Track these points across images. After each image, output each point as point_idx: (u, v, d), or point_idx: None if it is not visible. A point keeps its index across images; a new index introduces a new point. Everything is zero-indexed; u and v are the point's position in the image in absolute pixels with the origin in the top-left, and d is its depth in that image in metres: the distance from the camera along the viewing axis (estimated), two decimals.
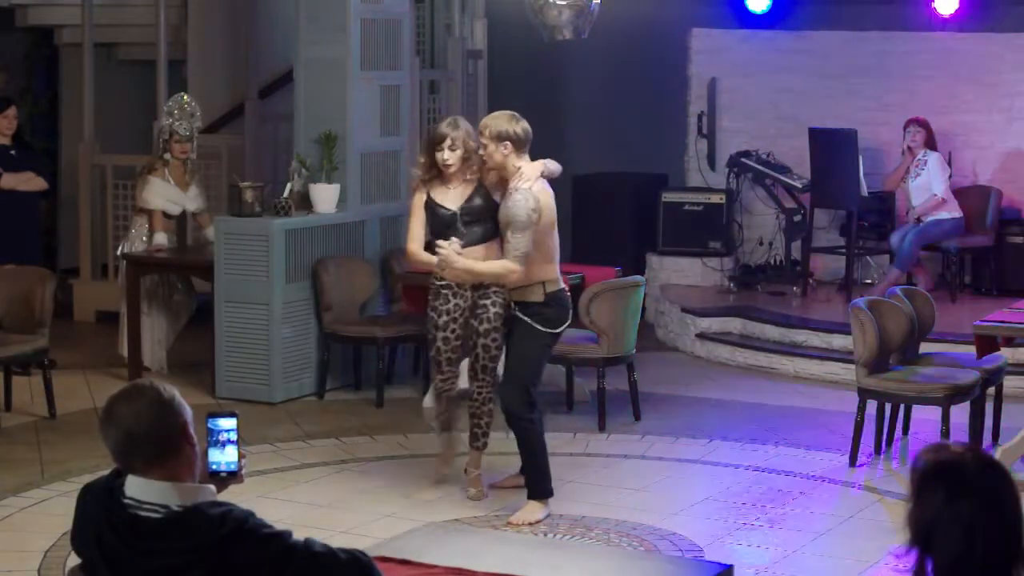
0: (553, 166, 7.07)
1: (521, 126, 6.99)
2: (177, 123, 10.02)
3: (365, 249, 10.00)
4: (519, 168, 6.94)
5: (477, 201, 7.08)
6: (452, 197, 7.11)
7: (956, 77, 12.01)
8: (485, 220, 7.06)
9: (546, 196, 6.96)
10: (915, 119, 11.50)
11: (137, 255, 9.96)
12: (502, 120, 6.98)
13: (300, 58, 9.94)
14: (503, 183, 7.03)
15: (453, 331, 7.17)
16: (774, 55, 12.49)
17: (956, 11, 11.71)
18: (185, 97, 10.24)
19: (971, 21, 11.88)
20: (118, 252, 10.59)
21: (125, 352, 9.96)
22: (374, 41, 9.96)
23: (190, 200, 10.18)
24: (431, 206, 7.13)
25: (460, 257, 6.96)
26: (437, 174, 7.13)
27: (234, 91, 12.63)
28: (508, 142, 6.93)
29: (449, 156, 7.02)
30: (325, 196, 9.66)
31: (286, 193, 9.64)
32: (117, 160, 12.19)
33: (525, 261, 6.87)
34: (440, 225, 7.09)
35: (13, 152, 10.26)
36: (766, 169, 12.08)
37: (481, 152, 7.00)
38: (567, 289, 7.22)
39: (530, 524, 6.92)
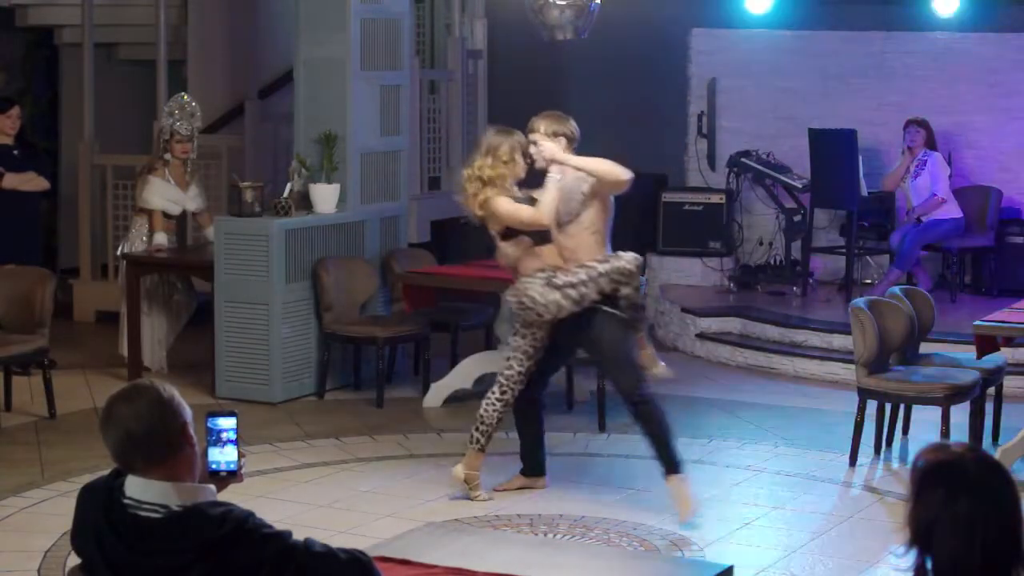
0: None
1: (572, 126, 7.22)
2: (178, 123, 10.02)
3: (365, 249, 10.00)
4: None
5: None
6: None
7: (956, 77, 12.01)
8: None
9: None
10: (915, 119, 11.51)
11: (137, 255, 9.96)
12: (556, 118, 7.21)
13: (300, 58, 9.94)
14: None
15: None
16: (774, 55, 12.49)
17: (956, 11, 11.71)
18: (185, 97, 10.24)
19: (971, 21, 11.88)
20: (118, 252, 10.59)
21: (125, 352, 9.96)
22: (374, 41, 9.96)
23: (190, 200, 10.18)
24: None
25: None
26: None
27: (234, 91, 12.63)
28: (563, 138, 7.14)
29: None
30: (325, 196, 9.66)
31: (286, 193, 9.64)
32: (117, 160, 12.19)
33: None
34: None
35: (16, 152, 10.26)
36: (766, 169, 12.08)
37: (533, 150, 7.13)
38: None
39: (694, 505, 6.98)
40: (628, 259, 7.09)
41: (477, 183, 7.14)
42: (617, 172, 7.08)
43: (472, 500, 7.28)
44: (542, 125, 7.15)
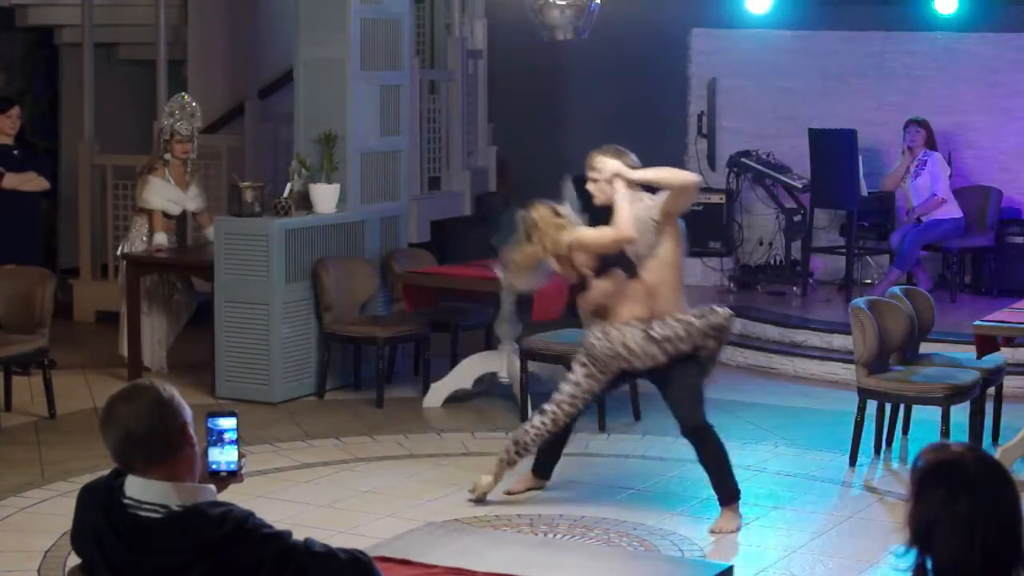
0: None
1: (631, 159, 7.06)
2: (178, 123, 10.02)
3: (365, 249, 10.00)
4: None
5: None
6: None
7: (956, 77, 12.01)
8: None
9: None
10: (915, 119, 11.51)
11: (137, 255, 9.96)
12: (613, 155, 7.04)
13: (300, 58, 9.94)
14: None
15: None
16: (774, 55, 12.50)
17: (956, 11, 11.71)
18: (185, 97, 10.24)
19: (971, 21, 11.88)
20: (118, 252, 10.59)
21: (125, 352, 9.96)
22: (374, 41, 9.96)
23: (190, 200, 10.18)
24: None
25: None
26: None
27: (234, 91, 12.62)
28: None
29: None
30: (325, 196, 9.66)
31: (286, 193, 9.64)
32: (117, 160, 12.19)
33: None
34: None
35: (16, 152, 10.26)
36: (766, 169, 12.08)
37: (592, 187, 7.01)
38: None
39: (732, 531, 6.88)
40: (723, 315, 7.00)
41: (544, 242, 6.90)
42: (683, 176, 6.97)
43: (470, 497, 7.26)
44: (600, 159, 6.97)
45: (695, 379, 6.98)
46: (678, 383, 6.96)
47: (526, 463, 7.35)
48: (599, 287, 6.88)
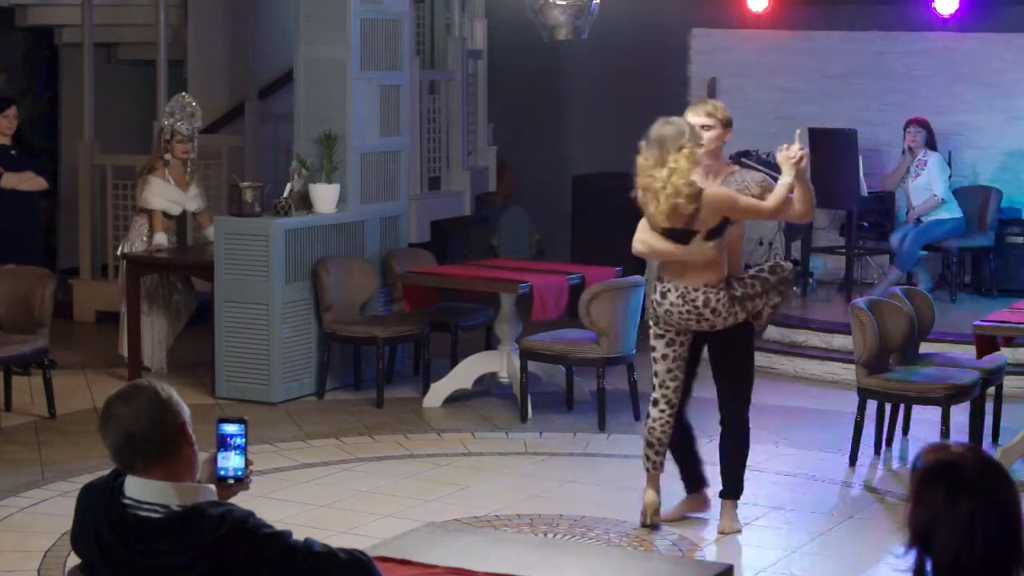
0: None
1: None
2: (178, 123, 10.02)
3: (365, 249, 10.00)
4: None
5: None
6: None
7: (956, 77, 12.01)
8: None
9: None
10: (915, 119, 11.51)
11: (137, 255, 9.96)
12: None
13: (300, 58, 9.94)
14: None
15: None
16: (774, 55, 12.50)
17: (956, 11, 11.71)
18: (185, 97, 10.24)
19: (971, 21, 11.88)
20: (118, 252, 10.59)
21: (125, 352, 9.96)
22: (374, 41, 9.96)
23: (190, 200, 10.18)
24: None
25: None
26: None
27: (234, 91, 12.63)
28: (730, 129, 6.95)
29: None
30: (325, 196, 9.66)
31: (286, 193, 9.64)
32: (117, 160, 12.19)
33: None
34: None
35: (14, 152, 10.26)
36: (766, 169, 12.05)
37: (710, 134, 6.80)
38: None
39: (738, 531, 6.84)
40: (789, 268, 6.88)
41: (684, 174, 6.52)
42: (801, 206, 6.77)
43: (645, 523, 6.93)
44: (719, 109, 6.87)
45: (750, 364, 6.94)
46: (735, 369, 6.86)
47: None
48: (704, 249, 6.60)
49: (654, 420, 6.87)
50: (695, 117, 6.79)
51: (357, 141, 9.89)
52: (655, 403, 6.87)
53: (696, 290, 6.64)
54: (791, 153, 6.71)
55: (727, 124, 6.92)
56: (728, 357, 6.85)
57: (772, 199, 6.72)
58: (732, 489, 6.94)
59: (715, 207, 6.56)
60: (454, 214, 11.91)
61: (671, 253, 6.66)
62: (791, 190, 6.71)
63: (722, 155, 6.99)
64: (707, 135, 6.75)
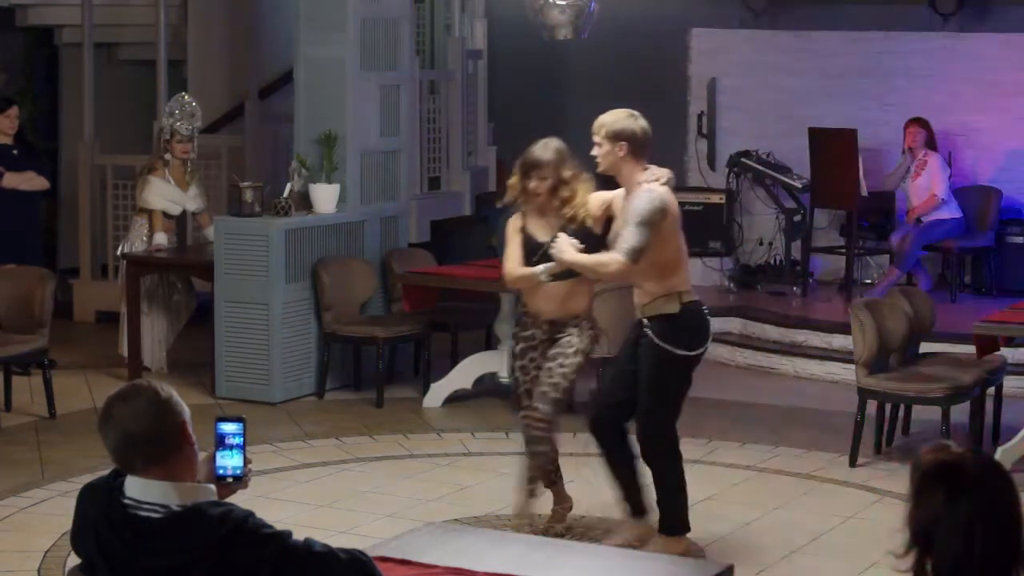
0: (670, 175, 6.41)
1: (640, 125, 6.33)
2: (178, 123, 10.02)
3: (365, 249, 10.00)
4: (638, 173, 6.30)
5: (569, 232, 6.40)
6: (544, 227, 6.51)
7: (956, 77, 12.01)
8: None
9: (673, 200, 6.35)
10: (915, 119, 11.51)
11: (137, 255, 9.96)
12: (620, 117, 6.33)
13: (300, 58, 9.94)
14: (603, 214, 6.47)
15: (532, 360, 6.60)
16: (774, 55, 12.50)
17: (956, 11, 11.71)
18: (185, 97, 10.24)
19: (971, 21, 11.88)
20: (118, 252, 10.59)
21: (125, 352, 9.96)
22: (374, 41, 9.96)
23: (190, 200, 10.18)
24: (524, 233, 6.56)
25: (572, 249, 6.24)
26: (525, 200, 6.57)
27: (234, 91, 12.63)
28: (625, 143, 6.27)
29: (537, 185, 6.48)
30: (325, 196, 9.66)
31: (286, 193, 9.64)
32: (117, 160, 12.19)
33: (631, 257, 6.12)
34: (528, 255, 6.52)
35: (15, 152, 10.26)
36: (766, 169, 12.08)
37: (594, 153, 6.36)
38: (703, 303, 6.55)
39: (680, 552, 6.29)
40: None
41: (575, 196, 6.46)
42: (605, 264, 6.25)
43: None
44: (604, 125, 6.34)
45: (667, 377, 6.46)
46: (645, 383, 6.45)
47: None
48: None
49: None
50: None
51: (357, 141, 9.90)
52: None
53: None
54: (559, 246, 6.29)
55: (616, 138, 6.31)
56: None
57: (518, 268, 6.51)
58: (667, 527, 6.48)
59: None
60: (454, 214, 11.90)
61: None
62: (536, 277, 6.42)
63: (629, 171, 6.34)
64: (596, 153, 6.37)
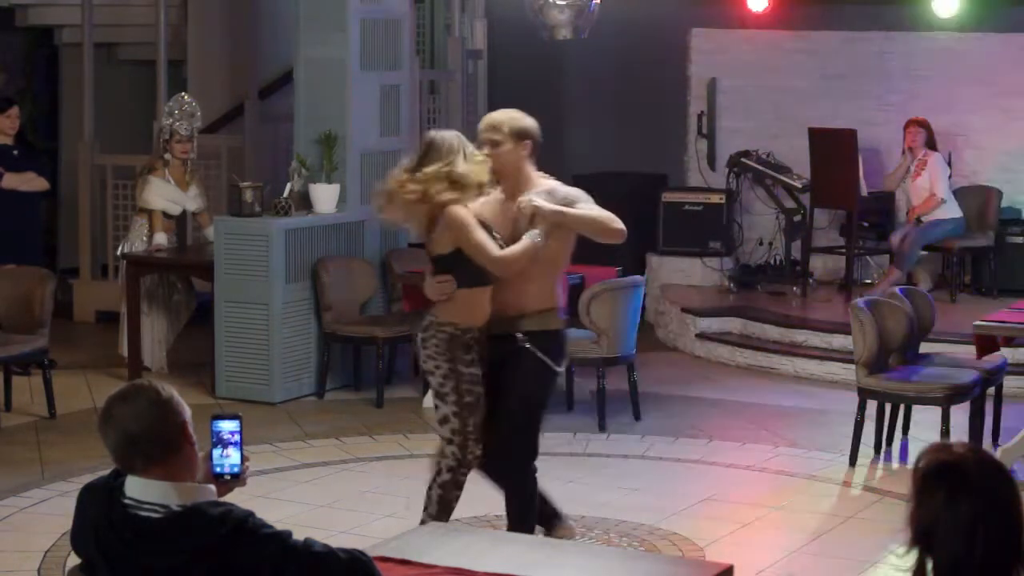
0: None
1: (535, 123, 6.02)
2: (178, 123, 10.02)
3: (365, 249, 10.00)
4: (534, 173, 5.96)
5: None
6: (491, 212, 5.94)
7: (956, 77, 12.01)
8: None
9: None
10: (915, 119, 11.50)
11: (137, 255, 9.95)
12: (518, 116, 5.98)
13: (300, 58, 9.94)
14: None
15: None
16: (774, 55, 12.49)
17: (956, 11, 11.71)
18: (185, 97, 10.24)
19: (971, 21, 11.88)
20: (118, 252, 10.59)
21: (125, 352, 9.96)
22: (374, 41, 9.96)
23: (190, 200, 10.18)
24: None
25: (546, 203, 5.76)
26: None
27: (234, 91, 12.63)
28: (529, 141, 5.94)
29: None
30: (325, 196, 9.66)
31: (286, 193, 9.64)
32: (117, 160, 12.19)
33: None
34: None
35: (15, 152, 10.26)
36: (766, 169, 12.08)
37: (490, 152, 5.88)
38: None
39: None
40: None
41: (442, 183, 5.74)
42: (608, 222, 5.87)
43: None
44: (504, 123, 5.91)
45: (543, 391, 5.96)
46: (515, 392, 5.93)
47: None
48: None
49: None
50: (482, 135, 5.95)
51: (357, 141, 9.89)
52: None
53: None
54: (522, 206, 5.78)
55: (521, 136, 5.94)
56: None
57: (506, 251, 5.76)
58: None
59: (449, 226, 5.75)
60: None
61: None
62: (538, 246, 5.77)
63: (523, 172, 5.97)
64: (493, 152, 5.89)
